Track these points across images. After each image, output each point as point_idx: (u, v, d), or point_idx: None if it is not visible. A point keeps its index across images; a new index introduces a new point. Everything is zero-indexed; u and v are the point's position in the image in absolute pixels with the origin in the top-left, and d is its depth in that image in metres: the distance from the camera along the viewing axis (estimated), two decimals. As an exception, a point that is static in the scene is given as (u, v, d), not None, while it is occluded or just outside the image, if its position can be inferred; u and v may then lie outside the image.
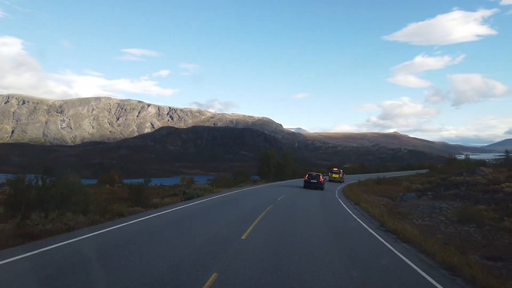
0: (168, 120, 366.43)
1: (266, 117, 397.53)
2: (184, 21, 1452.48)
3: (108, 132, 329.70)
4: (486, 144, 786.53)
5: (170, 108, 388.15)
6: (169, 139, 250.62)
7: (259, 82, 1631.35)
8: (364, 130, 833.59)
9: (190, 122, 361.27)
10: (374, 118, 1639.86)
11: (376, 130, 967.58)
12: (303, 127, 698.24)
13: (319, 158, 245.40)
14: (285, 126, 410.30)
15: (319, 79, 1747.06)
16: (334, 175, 47.98)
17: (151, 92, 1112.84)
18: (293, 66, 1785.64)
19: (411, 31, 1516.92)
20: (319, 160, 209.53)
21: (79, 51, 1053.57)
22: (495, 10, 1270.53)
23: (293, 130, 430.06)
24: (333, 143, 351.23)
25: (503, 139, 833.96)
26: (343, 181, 46.70)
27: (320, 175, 33.03)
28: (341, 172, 49.12)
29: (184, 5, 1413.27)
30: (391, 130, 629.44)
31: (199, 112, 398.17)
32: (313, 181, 31.93)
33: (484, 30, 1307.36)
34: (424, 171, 70.44)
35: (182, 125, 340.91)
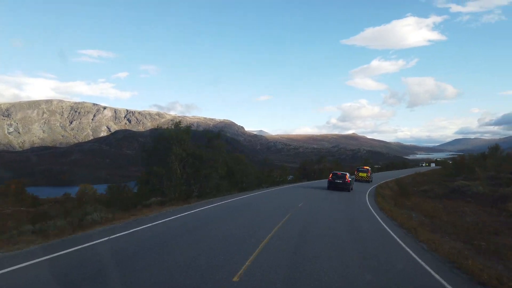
0: (126, 124, 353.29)
1: (228, 120, 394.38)
2: (144, 22, 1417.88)
3: (61, 137, 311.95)
4: (437, 144, 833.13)
5: (127, 111, 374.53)
6: (125, 143, 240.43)
7: (222, 84, 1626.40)
8: (324, 131, 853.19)
9: (149, 125, 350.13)
10: (334, 120, 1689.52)
11: (336, 131, 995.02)
12: (265, 129, 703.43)
13: (282, 160, 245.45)
14: (247, 129, 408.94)
15: (282, 81, 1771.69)
16: (361, 174, 44.56)
17: (109, 94, 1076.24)
18: (257, 69, 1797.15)
19: (368, 36, 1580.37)
20: (282, 162, 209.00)
21: (31, 51, 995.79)
22: (445, 16, 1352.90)
23: (255, 133, 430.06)
24: (294, 145, 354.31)
25: (453, 139, 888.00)
26: (371, 181, 44.00)
27: (346, 174, 30.10)
28: (369, 171, 45.51)
29: (144, 5, 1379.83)
30: (350, 132, 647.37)
31: (159, 114, 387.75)
32: (338, 181, 29.18)
33: (435, 35, 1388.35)
34: (426, 168, 61.91)
35: (140, 128, 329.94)
